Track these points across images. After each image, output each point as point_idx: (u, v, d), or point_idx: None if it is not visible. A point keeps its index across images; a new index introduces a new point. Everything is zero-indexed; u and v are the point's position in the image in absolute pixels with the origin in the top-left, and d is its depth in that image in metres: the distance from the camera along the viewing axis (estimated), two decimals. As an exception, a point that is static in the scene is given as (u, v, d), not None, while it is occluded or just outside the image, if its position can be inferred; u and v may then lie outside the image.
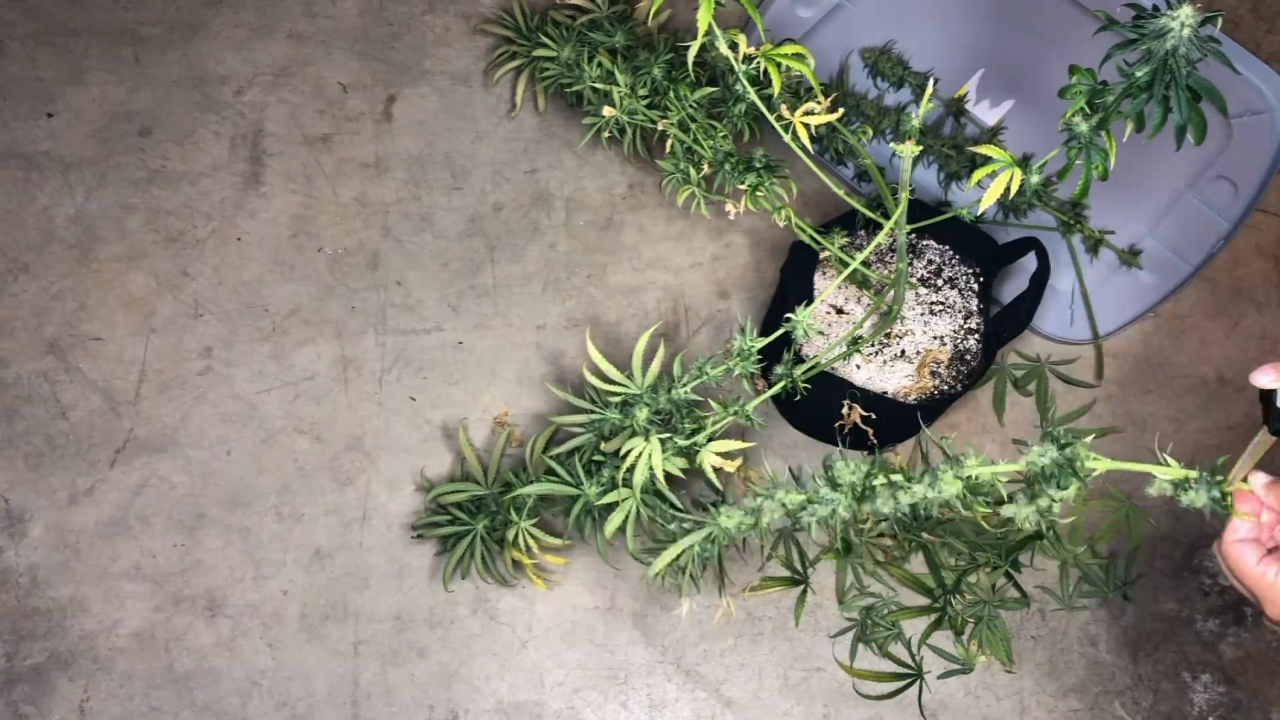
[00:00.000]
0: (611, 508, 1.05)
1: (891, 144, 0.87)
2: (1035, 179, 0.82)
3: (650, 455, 0.98)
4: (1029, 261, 1.20)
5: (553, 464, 1.12)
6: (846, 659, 1.00)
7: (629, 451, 1.00)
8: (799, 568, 1.08)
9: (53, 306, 1.26)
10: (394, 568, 1.19)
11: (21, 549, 1.18)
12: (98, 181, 1.31)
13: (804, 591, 1.02)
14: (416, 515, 1.21)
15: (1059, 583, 1.11)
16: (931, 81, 0.93)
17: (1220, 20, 0.70)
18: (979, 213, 0.88)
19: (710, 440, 1.02)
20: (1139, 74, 0.72)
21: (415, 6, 1.41)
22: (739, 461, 1.03)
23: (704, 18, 0.80)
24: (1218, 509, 0.71)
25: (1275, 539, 0.75)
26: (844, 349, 1.13)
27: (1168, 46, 0.70)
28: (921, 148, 1.24)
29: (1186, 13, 0.69)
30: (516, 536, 1.11)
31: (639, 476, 0.98)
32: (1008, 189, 0.80)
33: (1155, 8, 0.71)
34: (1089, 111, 0.76)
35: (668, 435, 1.01)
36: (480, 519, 1.15)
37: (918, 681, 0.98)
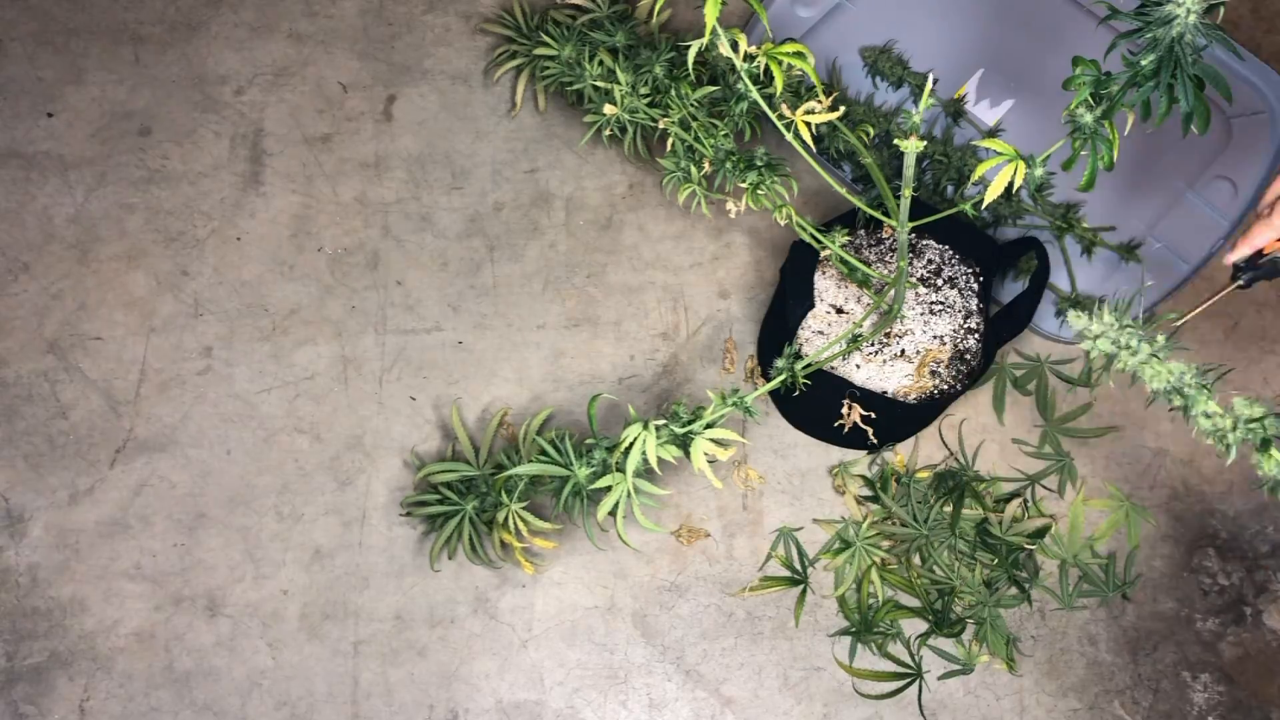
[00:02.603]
0: (603, 492, 1.04)
1: (896, 141, 0.87)
2: (1040, 171, 0.82)
3: (645, 441, 0.98)
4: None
5: (544, 444, 1.11)
6: (846, 659, 1.00)
7: (624, 437, 0.99)
8: (799, 568, 1.08)
9: (53, 306, 1.26)
10: (394, 567, 1.19)
11: (21, 549, 1.18)
12: (98, 181, 1.31)
13: (804, 591, 1.02)
14: (404, 492, 1.20)
15: (1059, 583, 1.11)
16: (930, 79, 0.93)
17: (1222, 10, 0.70)
18: (984, 205, 0.88)
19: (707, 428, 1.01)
20: (1144, 62, 0.72)
21: (415, 6, 1.41)
22: (732, 450, 1.02)
23: (710, 16, 0.80)
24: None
25: None
26: (843, 347, 1.13)
27: (1174, 33, 0.70)
28: (925, 142, 1.24)
29: None
30: (506, 518, 1.10)
31: (633, 462, 0.98)
32: (1009, 187, 0.80)
33: None
34: (1093, 102, 0.76)
35: (663, 422, 1.00)
36: (470, 499, 1.15)
37: (917, 681, 0.98)
